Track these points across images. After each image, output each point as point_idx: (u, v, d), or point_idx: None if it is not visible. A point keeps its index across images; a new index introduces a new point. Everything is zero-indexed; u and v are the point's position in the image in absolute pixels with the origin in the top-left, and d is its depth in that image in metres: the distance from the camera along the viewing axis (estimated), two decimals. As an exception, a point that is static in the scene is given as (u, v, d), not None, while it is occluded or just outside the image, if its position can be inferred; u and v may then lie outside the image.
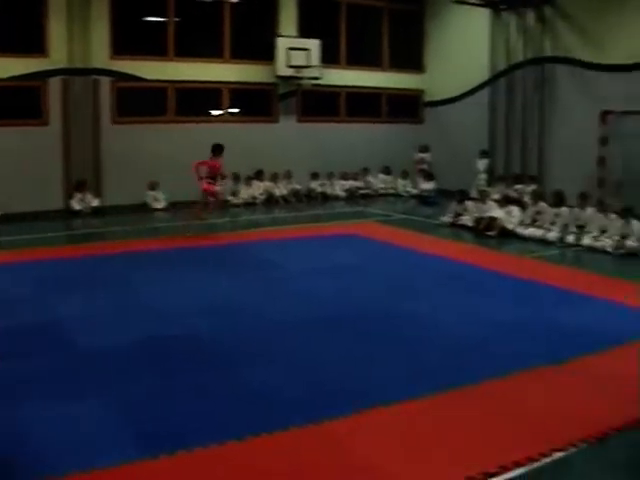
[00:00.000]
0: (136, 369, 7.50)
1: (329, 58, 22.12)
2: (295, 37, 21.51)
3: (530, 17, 20.89)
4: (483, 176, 21.47)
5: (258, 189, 21.03)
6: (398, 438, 5.98)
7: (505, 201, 17.26)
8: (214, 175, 16.16)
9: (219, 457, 5.59)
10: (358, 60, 23.38)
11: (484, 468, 5.44)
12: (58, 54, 18.29)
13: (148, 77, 19.53)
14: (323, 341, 8.51)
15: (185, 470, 5.40)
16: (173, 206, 19.50)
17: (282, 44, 21.02)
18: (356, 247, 14.76)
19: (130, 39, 19.49)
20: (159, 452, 5.58)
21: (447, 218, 17.65)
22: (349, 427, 6.16)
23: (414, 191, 23.14)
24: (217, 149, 16.16)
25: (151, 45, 19.88)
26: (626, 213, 14.53)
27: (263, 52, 21.12)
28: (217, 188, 16.61)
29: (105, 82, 19.06)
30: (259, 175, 21.14)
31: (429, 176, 22.64)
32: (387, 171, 23.58)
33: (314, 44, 21.41)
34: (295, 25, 21.85)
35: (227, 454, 5.65)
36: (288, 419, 6.23)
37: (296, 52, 21.01)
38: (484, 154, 21.80)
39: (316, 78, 21.54)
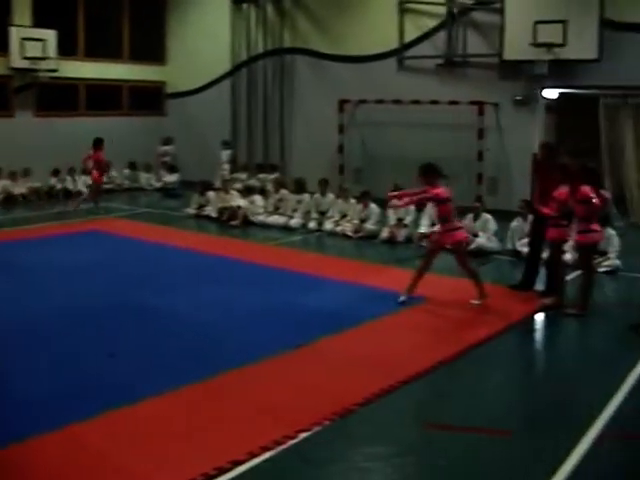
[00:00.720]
0: None
1: (67, 50, 21.35)
2: (30, 27, 20.52)
3: (270, 10, 21.33)
4: (226, 166, 21.61)
5: (-6, 188, 19.88)
6: (143, 437, 5.97)
7: (248, 190, 17.59)
8: (100, 166, 17.96)
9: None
10: (97, 52, 22.69)
11: (232, 457, 5.54)
12: None
13: None
14: (67, 340, 8.38)
15: None
16: None
17: (16, 34, 19.99)
18: (99, 243, 14.45)
19: None
20: None
21: (191, 210, 17.67)
22: (94, 429, 6.07)
23: (158, 184, 22.85)
24: (97, 143, 17.91)
25: None
26: (364, 197, 15.18)
27: (-5, 43, 20.01)
28: (102, 178, 18.58)
29: None
30: (-5, 174, 20.05)
31: (172, 168, 22.53)
32: (133, 166, 23.16)
33: (50, 35, 20.57)
34: (30, 14, 20.78)
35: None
36: (33, 425, 6.02)
37: (31, 43, 20.05)
38: (226, 144, 22.02)
39: (53, 70, 20.69)
